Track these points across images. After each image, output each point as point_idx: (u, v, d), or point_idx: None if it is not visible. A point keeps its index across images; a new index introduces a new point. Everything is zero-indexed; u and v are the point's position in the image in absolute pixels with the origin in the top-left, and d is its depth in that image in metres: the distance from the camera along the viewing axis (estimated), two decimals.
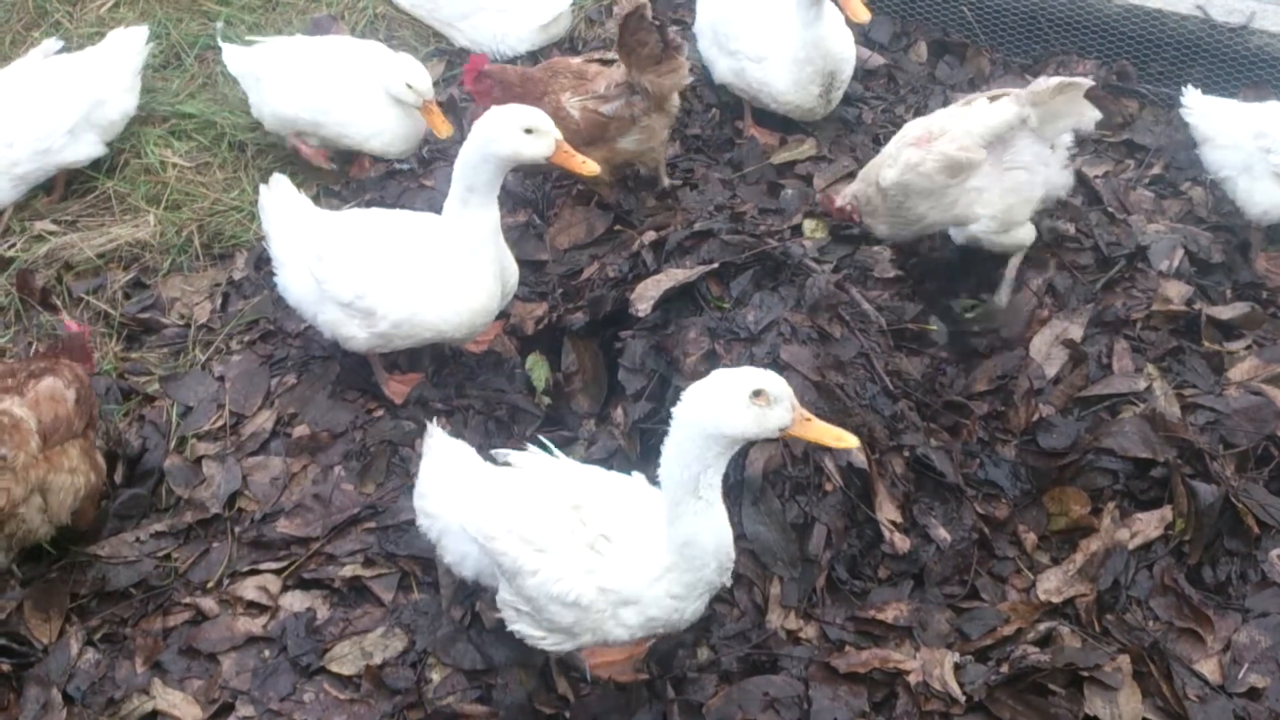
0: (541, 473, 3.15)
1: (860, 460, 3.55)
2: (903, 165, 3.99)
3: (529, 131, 3.56)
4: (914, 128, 4.15)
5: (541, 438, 3.39)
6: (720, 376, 2.78)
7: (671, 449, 2.81)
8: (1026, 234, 4.16)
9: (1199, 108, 4.46)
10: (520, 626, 3.10)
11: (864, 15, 4.49)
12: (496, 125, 3.54)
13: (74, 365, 3.68)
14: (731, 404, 2.72)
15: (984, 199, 4.04)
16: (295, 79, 4.84)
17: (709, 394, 2.74)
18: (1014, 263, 4.22)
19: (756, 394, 2.72)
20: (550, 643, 3.08)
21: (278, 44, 5.01)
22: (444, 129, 4.67)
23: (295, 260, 3.93)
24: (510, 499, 3.06)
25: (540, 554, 2.96)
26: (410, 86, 4.66)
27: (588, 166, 3.72)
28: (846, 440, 2.88)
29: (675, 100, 4.57)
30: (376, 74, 4.78)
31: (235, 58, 5.02)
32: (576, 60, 4.65)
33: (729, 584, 3.10)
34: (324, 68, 4.85)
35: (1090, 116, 3.98)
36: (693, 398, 2.77)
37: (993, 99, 4.03)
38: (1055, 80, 3.86)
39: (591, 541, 2.96)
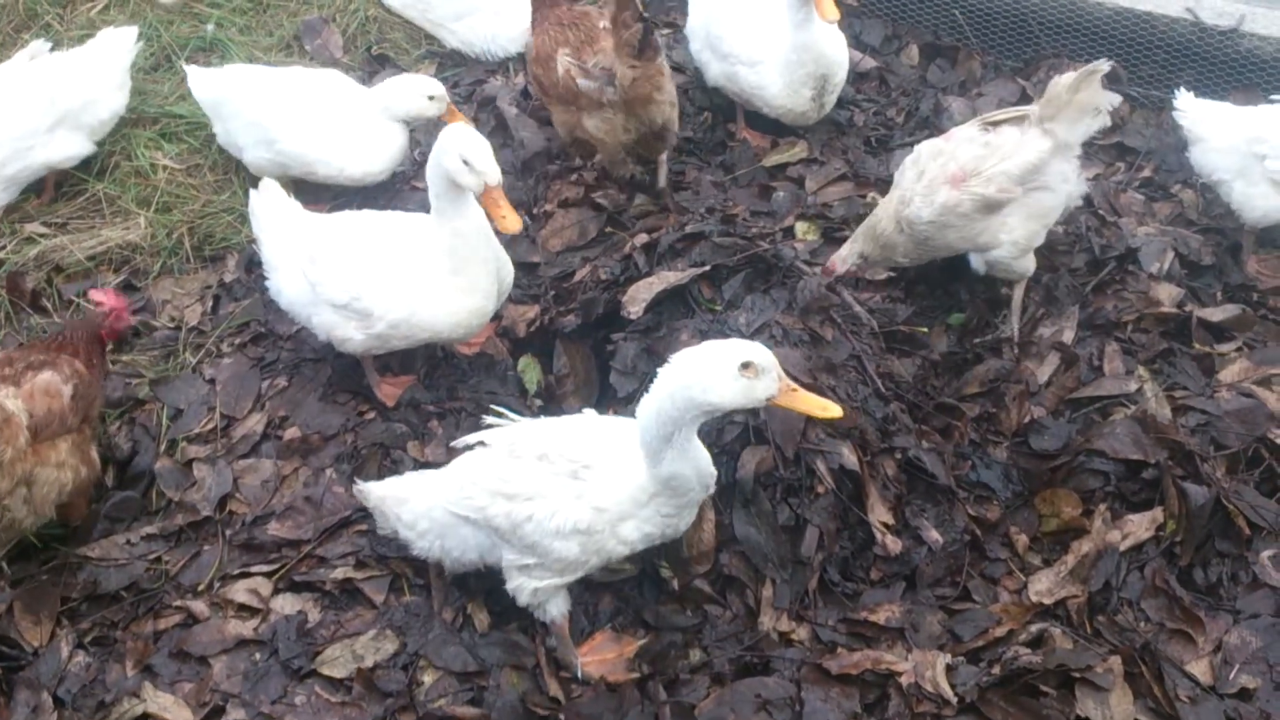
0: (504, 439, 3.26)
1: (852, 462, 3.56)
2: (939, 206, 3.89)
3: (465, 162, 3.50)
4: (933, 156, 3.98)
5: (495, 406, 3.47)
6: (709, 347, 2.85)
7: (652, 408, 2.90)
8: (1032, 261, 4.12)
9: (1191, 110, 4.47)
10: (532, 583, 3.20)
11: (833, 14, 4.45)
12: (444, 141, 3.54)
13: (74, 360, 3.67)
14: (720, 375, 2.79)
15: (1008, 225, 3.97)
16: (261, 118, 4.70)
17: (698, 364, 2.82)
18: (1019, 292, 4.18)
19: (745, 366, 2.80)
20: (562, 583, 3.20)
21: (240, 76, 4.80)
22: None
23: (288, 264, 3.92)
24: (484, 470, 3.19)
25: (529, 501, 3.09)
26: (433, 98, 4.62)
27: (508, 223, 3.60)
28: (831, 410, 2.96)
29: (656, 113, 4.50)
30: (343, 101, 4.71)
31: (201, 84, 4.84)
32: (604, 23, 4.53)
33: (714, 488, 3.19)
34: (289, 103, 4.70)
35: (1109, 103, 3.86)
36: (681, 365, 2.84)
37: (1015, 123, 3.92)
38: (1069, 76, 3.78)
39: (573, 472, 3.09)
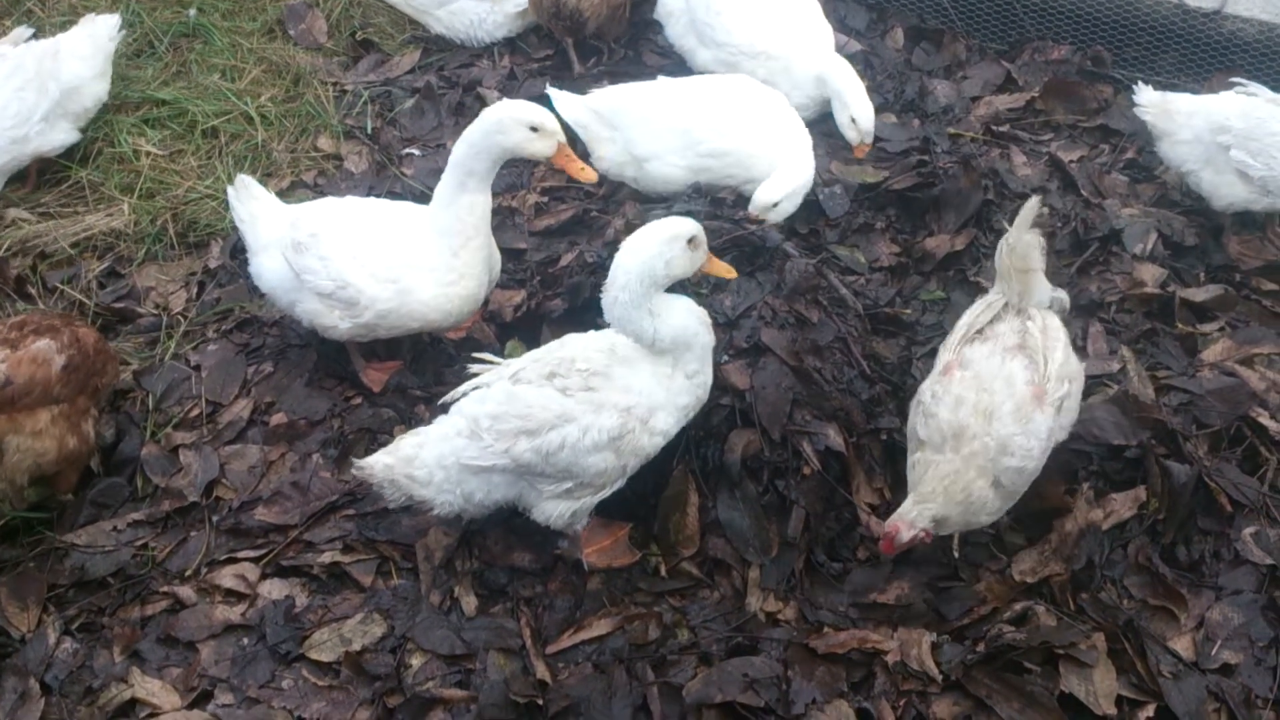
0: (502, 374, 3.31)
1: (838, 444, 3.57)
2: (1047, 433, 3.31)
3: (534, 130, 3.58)
4: (954, 398, 3.30)
5: (476, 354, 3.48)
6: (657, 228, 3.13)
7: (618, 297, 3.12)
8: None
9: (1153, 105, 4.47)
10: (573, 505, 3.28)
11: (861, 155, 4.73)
12: (504, 118, 3.56)
13: (78, 330, 3.65)
14: (677, 249, 3.13)
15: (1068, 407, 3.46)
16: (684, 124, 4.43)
17: (656, 241, 3.10)
18: None
19: (691, 240, 3.15)
20: (601, 497, 3.31)
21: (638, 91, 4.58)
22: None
23: (269, 249, 3.91)
24: (495, 412, 3.21)
25: (555, 429, 3.14)
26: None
27: (586, 173, 3.78)
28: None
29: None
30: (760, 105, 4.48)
31: (570, 106, 4.59)
32: None
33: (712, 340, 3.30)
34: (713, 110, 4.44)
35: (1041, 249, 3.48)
36: (636, 246, 3.11)
37: (999, 319, 3.45)
38: (1005, 247, 3.43)
39: (584, 384, 3.16)
